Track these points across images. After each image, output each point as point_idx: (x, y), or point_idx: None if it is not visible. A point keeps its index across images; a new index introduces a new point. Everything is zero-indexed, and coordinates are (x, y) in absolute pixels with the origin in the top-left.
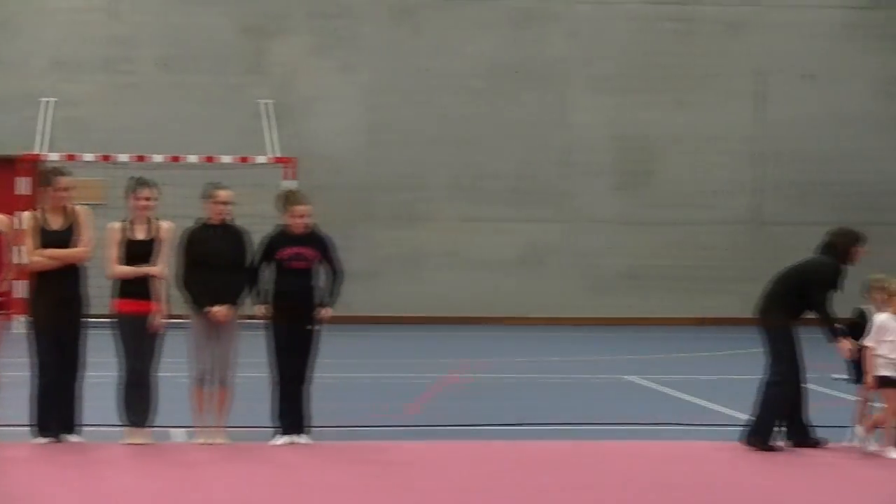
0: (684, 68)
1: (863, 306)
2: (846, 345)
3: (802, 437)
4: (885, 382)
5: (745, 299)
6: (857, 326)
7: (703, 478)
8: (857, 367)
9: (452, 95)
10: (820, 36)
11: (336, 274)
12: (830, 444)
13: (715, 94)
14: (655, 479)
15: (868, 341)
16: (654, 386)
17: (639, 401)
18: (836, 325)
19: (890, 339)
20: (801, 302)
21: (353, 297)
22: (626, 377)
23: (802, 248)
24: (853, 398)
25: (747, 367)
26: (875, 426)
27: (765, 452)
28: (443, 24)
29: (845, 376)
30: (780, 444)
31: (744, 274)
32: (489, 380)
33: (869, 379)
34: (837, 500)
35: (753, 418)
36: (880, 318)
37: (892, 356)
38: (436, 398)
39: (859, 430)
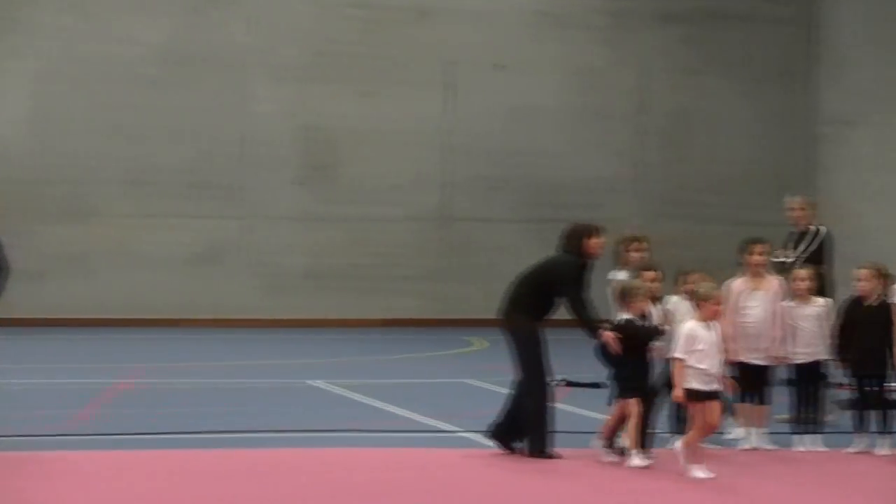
0: (371, 57)
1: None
2: (610, 336)
3: (540, 446)
4: (695, 395)
5: (433, 299)
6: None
7: (427, 484)
8: (616, 360)
9: (124, 84)
10: (511, 25)
11: (2, 270)
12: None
13: (403, 85)
14: (371, 488)
15: (677, 353)
16: (339, 391)
17: (324, 406)
18: (594, 320)
19: (700, 348)
20: (545, 302)
21: (19, 298)
22: (309, 382)
23: (491, 245)
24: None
25: (434, 370)
26: (611, 436)
27: (547, 460)
28: (115, 7)
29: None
30: (558, 451)
31: (431, 273)
32: (164, 385)
33: (678, 392)
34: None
35: (499, 420)
36: (687, 326)
37: (702, 366)
38: (108, 405)
39: (601, 441)
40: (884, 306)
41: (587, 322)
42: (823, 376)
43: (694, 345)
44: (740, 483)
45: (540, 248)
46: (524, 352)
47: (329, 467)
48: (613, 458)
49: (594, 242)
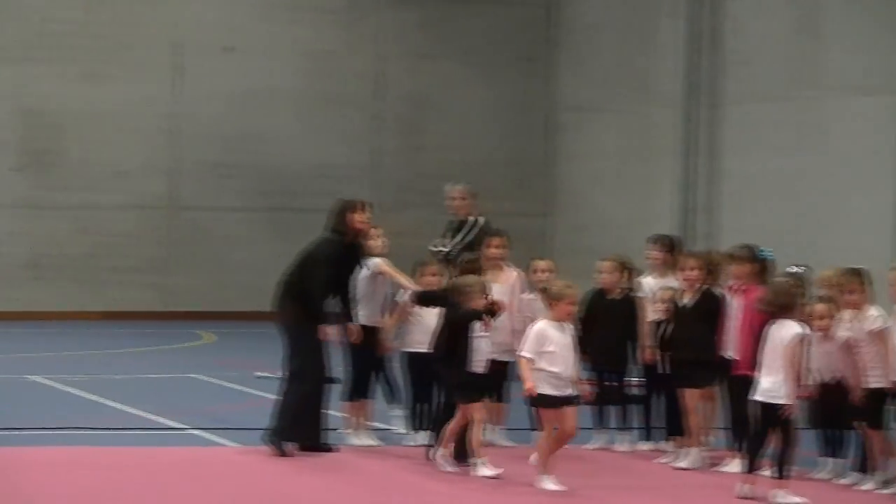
0: (95, 37)
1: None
2: (328, 332)
3: (313, 440)
4: (547, 401)
5: (160, 290)
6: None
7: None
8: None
9: None
10: (242, 6)
11: None
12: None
13: (129, 67)
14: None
15: (524, 351)
16: (60, 386)
17: (44, 402)
18: (324, 310)
19: (550, 349)
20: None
21: None
22: (28, 377)
23: (220, 234)
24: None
25: (161, 364)
26: (454, 442)
27: (278, 457)
28: None
29: (268, 374)
30: (292, 448)
31: (158, 263)
32: None
33: (529, 386)
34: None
35: (274, 419)
36: (538, 325)
37: (554, 369)
38: None
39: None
40: (627, 299)
41: (312, 305)
42: None
43: (544, 345)
44: (476, 477)
45: (271, 238)
46: (292, 345)
47: (53, 467)
48: (455, 467)
49: (357, 218)
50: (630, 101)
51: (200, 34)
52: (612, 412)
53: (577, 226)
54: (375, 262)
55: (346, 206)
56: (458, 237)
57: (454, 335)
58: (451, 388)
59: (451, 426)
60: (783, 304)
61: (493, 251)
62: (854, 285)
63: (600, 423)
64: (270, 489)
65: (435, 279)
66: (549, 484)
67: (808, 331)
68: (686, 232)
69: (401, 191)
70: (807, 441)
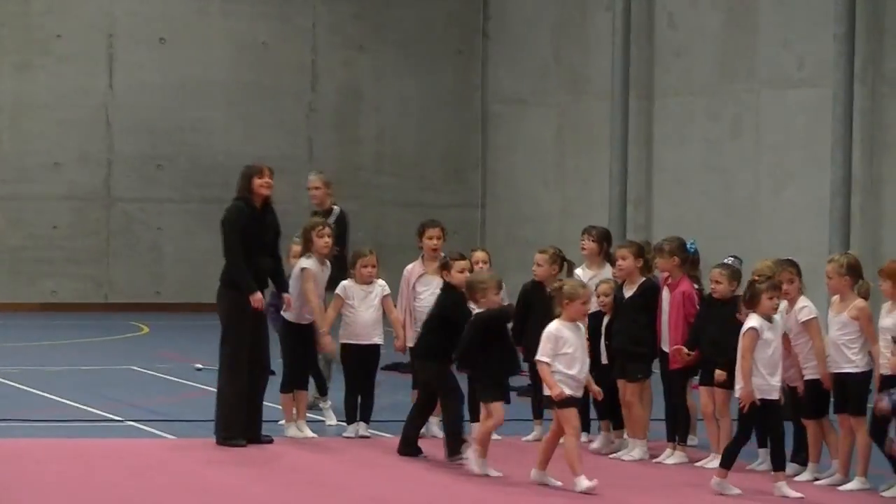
0: (29, 28)
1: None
2: (257, 297)
3: (250, 432)
4: (570, 403)
5: (96, 282)
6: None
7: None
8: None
9: None
10: None
11: None
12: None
13: (63, 58)
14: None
15: (541, 356)
16: None
17: None
18: (245, 278)
19: (567, 351)
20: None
21: None
22: None
23: (157, 226)
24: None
25: (98, 356)
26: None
27: (225, 448)
28: None
29: (208, 366)
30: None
31: (94, 255)
32: None
33: (558, 392)
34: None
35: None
36: (552, 327)
37: (571, 372)
38: None
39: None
40: None
41: (234, 273)
42: None
43: (560, 348)
44: (410, 468)
45: (206, 229)
46: (223, 333)
47: None
48: (493, 471)
49: (258, 182)
50: (565, 94)
51: (135, 25)
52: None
53: (513, 217)
54: (302, 266)
55: (249, 171)
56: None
57: (482, 335)
58: (479, 388)
59: (482, 431)
60: (748, 299)
61: (430, 242)
62: (791, 275)
63: (538, 414)
64: (205, 480)
65: (464, 274)
66: (585, 482)
67: (759, 323)
68: (621, 223)
69: (337, 183)
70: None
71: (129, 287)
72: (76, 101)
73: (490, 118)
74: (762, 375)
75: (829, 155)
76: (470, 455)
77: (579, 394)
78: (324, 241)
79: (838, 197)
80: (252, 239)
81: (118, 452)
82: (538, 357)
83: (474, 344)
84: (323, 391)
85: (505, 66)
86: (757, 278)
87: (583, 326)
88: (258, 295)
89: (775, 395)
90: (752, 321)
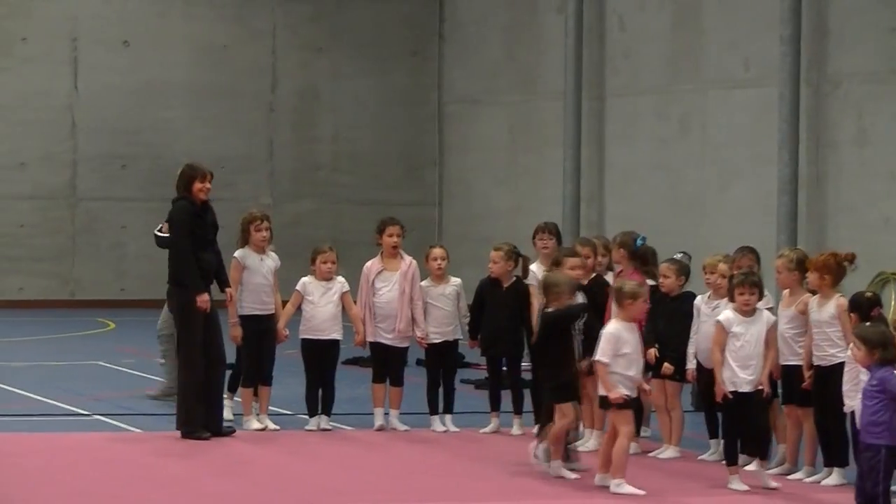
0: None
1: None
2: (204, 298)
3: (211, 426)
4: (629, 405)
5: (61, 280)
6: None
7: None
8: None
9: None
10: (137, 1)
11: None
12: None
13: (26, 60)
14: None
15: (601, 356)
16: None
17: None
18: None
19: (626, 352)
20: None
21: None
22: None
23: (120, 224)
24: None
25: (64, 352)
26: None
27: (189, 441)
28: None
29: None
30: (208, 434)
31: (59, 253)
32: None
33: (616, 395)
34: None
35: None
36: (612, 327)
37: (630, 373)
38: None
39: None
40: (518, 287)
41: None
42: (457, 357)
43: (620, 348)
44: (369, 460)
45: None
46: (178, 331)
47: None
48: (573, 474)
49: (198, 187)
50: (518, 94)
51: (98, 29)
52: (505, 397)
53: (468, 215)
54: (234, 255)
55: (192, 172)
56: None
57: (550, 335)
58: (548, 389)
59: (556, 431)
60: (728, 292)
61: (389, 239)
62: (750, 261)
63: (494, 407)
64: (169, 472)
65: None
66: (627, 487)
67: (727, 318)
68: (575, 220)
69: (295, 182)
70: (695, 424)
71: (95, 284)
72: (41, 103)
73: (445, 118)
74: (731, 368)
75: (775, 153)
76: (540, 454)
77: (634, 394)
78: (261, 234)
79: (784, 194)
80: (197, 237)
81: (84, 445)
82: (597, 357)
83: (542, 342)
84: (232, 387)
85: (459, 66)
86: (734, 273)
87: (636, 327)
88: (205, 296)
89: (747, 388)
90: (722, 315)
